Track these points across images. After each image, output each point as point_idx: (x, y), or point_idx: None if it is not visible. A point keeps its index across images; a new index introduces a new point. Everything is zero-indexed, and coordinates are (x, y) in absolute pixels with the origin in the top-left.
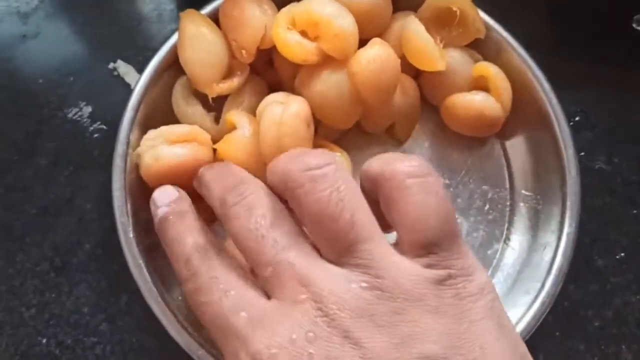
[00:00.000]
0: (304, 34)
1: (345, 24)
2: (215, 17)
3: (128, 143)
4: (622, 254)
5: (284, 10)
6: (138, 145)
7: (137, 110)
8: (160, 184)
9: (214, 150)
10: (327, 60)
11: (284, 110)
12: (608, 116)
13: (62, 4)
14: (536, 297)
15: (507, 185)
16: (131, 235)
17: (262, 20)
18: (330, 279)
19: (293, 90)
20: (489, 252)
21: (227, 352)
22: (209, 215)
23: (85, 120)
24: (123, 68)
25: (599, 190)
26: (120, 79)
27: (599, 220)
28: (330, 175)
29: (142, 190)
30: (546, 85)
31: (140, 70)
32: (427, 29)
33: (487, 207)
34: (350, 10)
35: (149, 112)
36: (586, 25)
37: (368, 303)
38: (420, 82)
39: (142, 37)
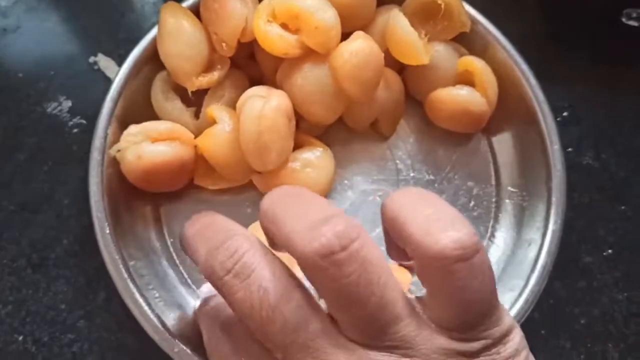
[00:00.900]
0: (285, 26)
1: (327, 17)
2: (196, 10)
3: (106, 137)
4: (610, 251)
5: (265, 2)
6: (116, 139)
7: (116, 103)
8: (142, 181)
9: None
10: (309, 54)
11: (265, 104)
12: (596, 112)
13: None
14: (520, 294)
15: (493, 182)
16: (107, 231)
17: (242, 12)
18: None
19: (275, 85)
20: None
21: None
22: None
23: (64, 114)
24: (104, 62)
25: (586, 186)
26: (100, 73)
27: (587, 216)
28: (356, 256)
29: (120, 185)
30: (533, 80)
31: (121, 64)
32: (412, 23)
33: (472, 203)
34: (333, 3)
35: (128, 106)
36: (577, 21)
37: None
38: (405, 76)
39: (124, 31)
